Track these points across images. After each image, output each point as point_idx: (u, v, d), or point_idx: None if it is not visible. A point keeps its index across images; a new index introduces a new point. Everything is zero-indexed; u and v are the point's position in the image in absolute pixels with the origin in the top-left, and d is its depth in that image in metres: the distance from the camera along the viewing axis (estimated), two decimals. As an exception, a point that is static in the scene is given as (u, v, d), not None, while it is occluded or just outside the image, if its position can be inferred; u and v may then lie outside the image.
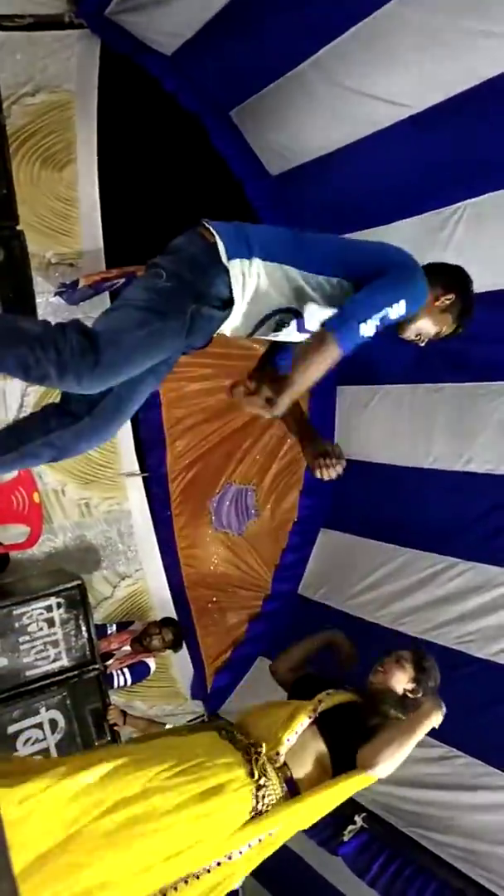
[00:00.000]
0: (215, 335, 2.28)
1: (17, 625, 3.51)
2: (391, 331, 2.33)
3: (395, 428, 4.56)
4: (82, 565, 4.21)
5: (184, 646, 4.59)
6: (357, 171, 3.90)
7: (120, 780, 2.05)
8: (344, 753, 2.36)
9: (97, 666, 3.70)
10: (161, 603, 4.77)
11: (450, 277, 2.37)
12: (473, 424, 4.09)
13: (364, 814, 3.87)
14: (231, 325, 2.25)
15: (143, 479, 4.54)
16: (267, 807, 2.22)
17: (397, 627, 4.17)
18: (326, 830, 4.00)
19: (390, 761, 2.28)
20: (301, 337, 2.33)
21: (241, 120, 4.21)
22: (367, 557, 4.62)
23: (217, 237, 2.14)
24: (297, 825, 2.35)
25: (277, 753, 2.30)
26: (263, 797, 2.22)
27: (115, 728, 3.99)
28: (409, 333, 2.37)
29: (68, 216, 3.79)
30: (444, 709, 2.47)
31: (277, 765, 2.30)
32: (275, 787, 2.26)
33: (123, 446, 4.27)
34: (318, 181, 4.16)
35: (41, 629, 3.61)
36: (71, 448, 2.33)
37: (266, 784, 2.23)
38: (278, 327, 2.30)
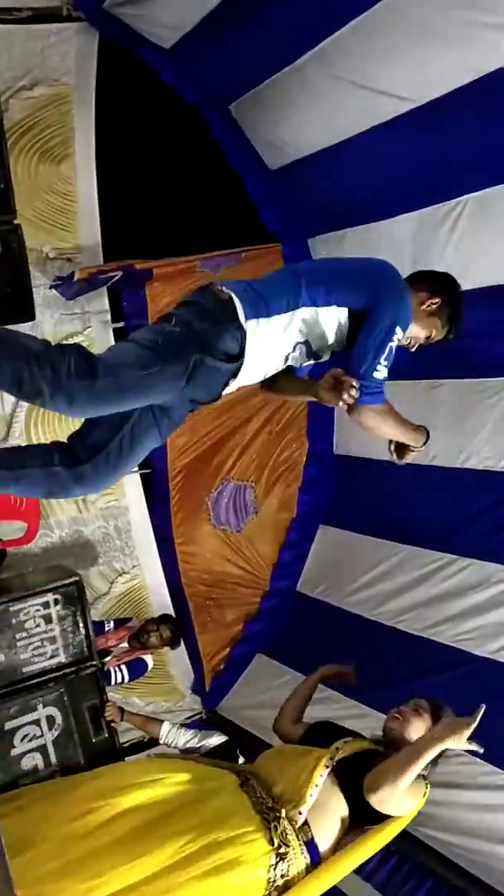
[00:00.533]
0: (225, 392, 2.28)
1: (13, 621, 3.49)
2: None
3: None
4: (79, 561, 4.20)
5: (182, 643, 4.57)
6: (357, 165, 3.88)
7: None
8: (362, 802, 2.30)
9: (95, 663, 3.68)
10: (159, 599, 4.76)
11: (435, 282, 2.43)
12: (473, 421, 4.08)
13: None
14: (246, 381, 2.27)
15: (142, 475, 4.52)
16: (285, 876, 2.22)
17: (396, 625, 4.16)
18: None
19: (392, 783, 2.23)
20: (308, 361, 2.38)
21: (240, 114, 4.19)
22: (365, 554, 4.61)
23: (233, 296, 2.17)
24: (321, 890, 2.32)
25: (300, 813, 2.28)
26: (282, 867, 2.22)
27: (113, 725, 3.98)
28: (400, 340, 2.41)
29: (66, 210, 3.76)
30: (461, 729, 2.37)
31: (297, 825, 2.27)
32: (295, 854, 2.24)
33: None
34: (318, 175, 4.14)
35: (38, 625, 3.59)
36: (66, 488, 2.31)
37: (286, 853, 2.22)
38: (292, 357, 2.33)
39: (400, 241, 3.91)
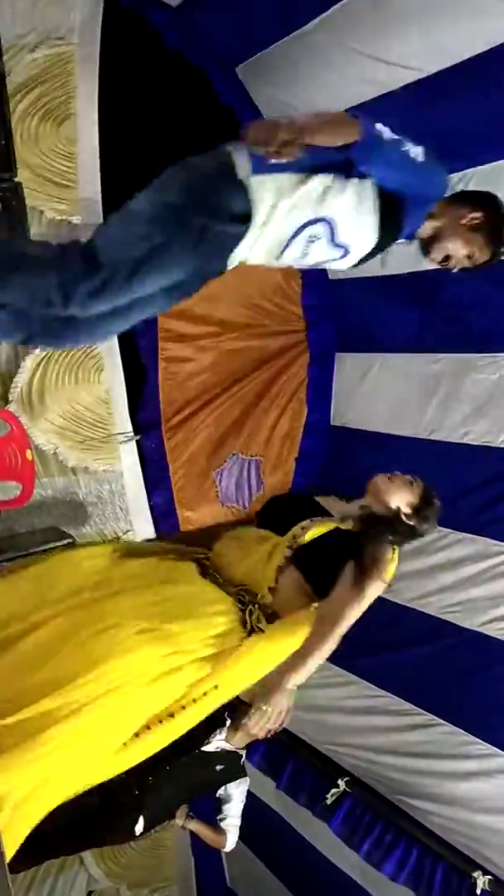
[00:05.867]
0: (238, 262, 2.14)
1: (6, 581, 3.53)
2: (420, 248, 2.28)
3: (393, 397, 4.54)
4: (72, 522, 4.22)
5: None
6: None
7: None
8: (326, 588, 2.30)
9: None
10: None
11: (480, 198, 2.26)
12: (472, 396, 4.08)
13: (347, 777, 3.94)
14: (258, 248, 2.11)
15: (137, 442, 4.51)
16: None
17: (386, 596, 4.19)
18: (308, 791, 4.07)
19: (336, 634, 2.25)
20: (334, 254, 2.19)
21: (247, 77, 4.13)
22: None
23: (234, 152, 2.04)
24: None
25: (265, 600, 2.28)
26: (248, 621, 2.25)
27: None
28: (437, 254, 2.27)
29: (67, 172, 3.72)
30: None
31: (269, 611, 2.28)
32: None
33: (117, 407, 4.25)
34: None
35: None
36: (58, 335, 2.17)
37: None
38: (309, 244, 2.14)
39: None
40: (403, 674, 3.98)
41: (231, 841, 3.81)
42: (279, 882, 4.38)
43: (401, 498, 2.51)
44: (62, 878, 4.22)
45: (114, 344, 4.11)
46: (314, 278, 4.63)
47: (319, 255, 2.18)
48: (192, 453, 4.72)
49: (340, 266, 2.29)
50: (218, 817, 3.83)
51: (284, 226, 2.07)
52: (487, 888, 3.33)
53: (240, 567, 2.36)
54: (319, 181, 2.05)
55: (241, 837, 3.86)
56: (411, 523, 2.50)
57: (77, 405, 4.08)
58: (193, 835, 4.11)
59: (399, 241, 2.26)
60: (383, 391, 4.61)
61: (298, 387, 4.99)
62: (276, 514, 2.49)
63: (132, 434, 4.33)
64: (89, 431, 4.17)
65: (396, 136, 2.10)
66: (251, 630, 2.23)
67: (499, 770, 3.47)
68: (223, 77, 4.11)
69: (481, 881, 3.34)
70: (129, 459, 4.35)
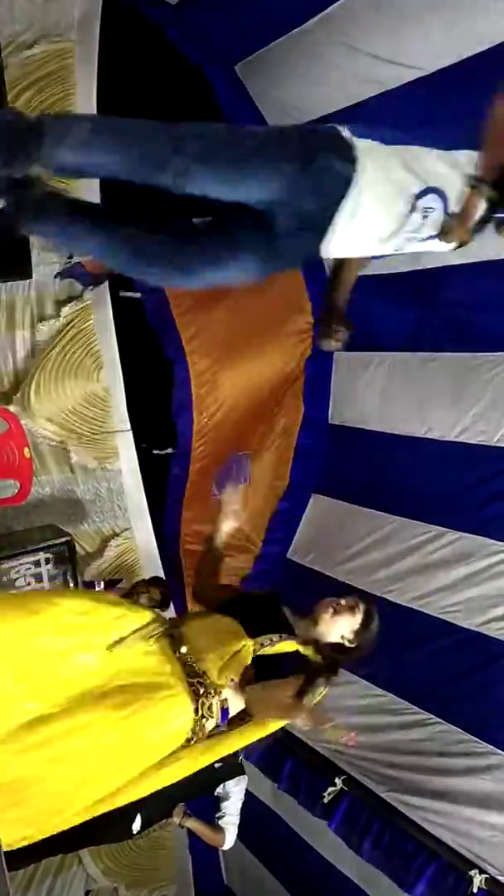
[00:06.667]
0: (340, 220, 1.97)
1: (4, 579, 3.53)
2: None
3: (390, 395, 4.54)
4: (70, 520, 4.22)
5: (171, 604, 4.61)
6: (362, 132, 3.82)
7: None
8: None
9: (84, 622, 3.72)
10: (149, 561, 4.78)
11: None
12: (469, 395, 4.08)
13: (344, 776, 3.94)
14: (367, 221, 1.98)
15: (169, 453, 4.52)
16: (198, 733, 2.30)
17: (384, 595, 4.20)
18: (305, 790, 4.07)
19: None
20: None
21: (246, 75, 4.12)
22: (357, 524, 4.64)
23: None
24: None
25: (220, 689, 2.33)
26: (200, 728, 2.29)
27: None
28: None
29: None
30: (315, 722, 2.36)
31: (221, 697, 2.33)
32: (213, 721, 2.32)
33: (116, 405, 4.26)
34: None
35: (29, 584, 3.63)
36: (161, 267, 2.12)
37: (207, 717, 2.29)
38: (425, 215, 2.03)
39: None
40: (402, 673, 3.98)
41: (229, 839, 3.81)
42: (276, 880, 4.39)
43: (344, 627, 2.56)
44: (60, 878, 4.23)
45: (113, 343, 4.11)
46: (313, 276, 4.63)
47: (429, 224, 2.07)
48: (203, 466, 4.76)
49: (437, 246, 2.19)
50: (216, 815, 3.83)
51: (394, 187, 1.99)
52: (484, 887, 3.33)
53: (207, 652, 2.40)
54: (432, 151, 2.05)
55: (238, 836, 3.86)
56: (353, 646, 2.58)
57: (75, 403, 4.08)
58: (191, 833, 4.11)
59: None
60: (381, 389, 4.61)
61: (296, 382, 5.00)
62: (249, 614, 2.54)
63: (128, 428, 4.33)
64: (88, 429, 4.17)
65: None
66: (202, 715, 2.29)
67: (497, 769, 3.48)
68: (222, 75, 4.11)
69: (477, 880, 3.34)
70: (126, 456, 4.35)
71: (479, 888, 3.33)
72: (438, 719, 3.73)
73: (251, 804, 3.98)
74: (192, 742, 2.31)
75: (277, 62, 3.86)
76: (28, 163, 1.83)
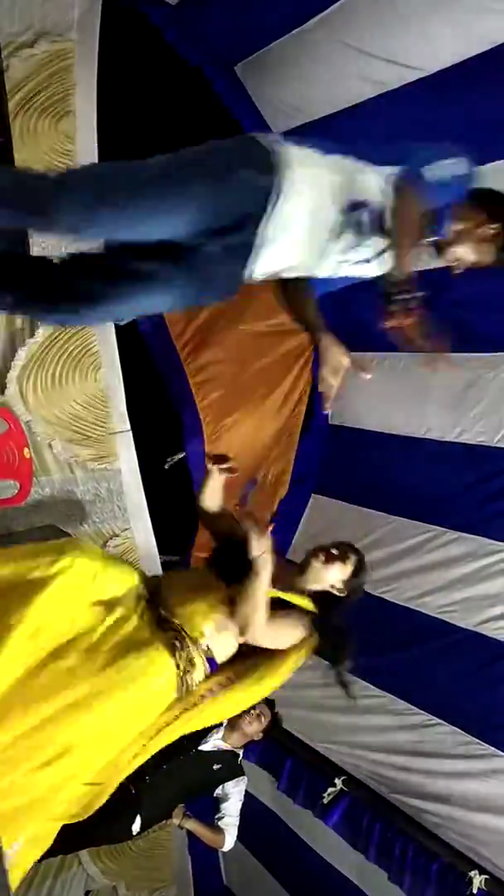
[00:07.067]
0: (269, 229, 1.87)
1: (4, 579, 3.52)
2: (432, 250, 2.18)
3: (388, 396, 4.54)
4: (70, 520, 4.21)
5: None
6: (362, 132, 3.82)
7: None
8: None
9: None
10: (149, 561, 4.77)
11: (497, 207, 2.18)
12: (469, 395, 4.08)
13: (344, 776, 3.94)
14: (290, 227, 1.88)
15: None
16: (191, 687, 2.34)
17: (382, 595, 4.20)
18: (305, 791, 4.07)
19: (250, 610, 2.35)
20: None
21: (246, 75, 4.12)
22: (355, 524, 4.64)
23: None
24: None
25: (198, 640, 2.35)
26: (187, 682, 2.31)
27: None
28: (448, 256, 2.21)
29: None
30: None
31: (201, 648, 2.35)
32: (199, 671, 2.35)
33: (115, 405, 4.24)
34: (323, 141, 4.08)
35: (28, 584, 3.61)
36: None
37: (190, 670, 2.32)
38: (358, 230, 1.95)
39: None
40: (401, 673, 3.98)
41: (229, 840, 3.81)
42: (276, 882, 4.38)
43: (335, 575, 2.56)
44: (60, 879, 4.22)
45: (112, 343, 4.10)
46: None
47: (365, 252, 2.02)
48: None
49: (371, 270, 2.13)
50: (216, 816, 3.83)
51: (319, 205, 1.89)
52: (484, 888, 3.33)
53: (184, 608, 2.41)
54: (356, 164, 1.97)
55: (238, 837, 3.86)
56: (342, 595, 2.58)
57: (75, 403, 4.07)
58: (191, 834, 4.11)
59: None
60: (380, 390, 4.60)
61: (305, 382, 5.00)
62: (238, 560, 2.48)
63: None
64: (87, 429, 4.15)
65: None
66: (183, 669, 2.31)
67: (496, 769, 3.48)
68: (222, 75, 4.11)
69: (477, 880, 3.34)
70: (126, 456, 4.34)
71: (479, 888, 3.33)
72: (438, 720, 3.74)
73: (251, 805, 3.98)
74: (185, 695, 2.34)
75: (277, 62, 3.86)
76: None
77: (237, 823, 3.81)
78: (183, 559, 4.73)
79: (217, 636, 2.38)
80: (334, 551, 2.57)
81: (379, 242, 2.01)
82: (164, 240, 1.86)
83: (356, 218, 1.95)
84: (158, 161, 1.86)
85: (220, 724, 3.76)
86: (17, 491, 3.94)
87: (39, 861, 3.89)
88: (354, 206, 1.93)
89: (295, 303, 2.25)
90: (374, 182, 1.97)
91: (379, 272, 2.10)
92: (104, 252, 2.06)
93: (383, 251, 2.02)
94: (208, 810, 3.88)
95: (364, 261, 2.07)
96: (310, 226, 1.92)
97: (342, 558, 2.57)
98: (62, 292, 2.06)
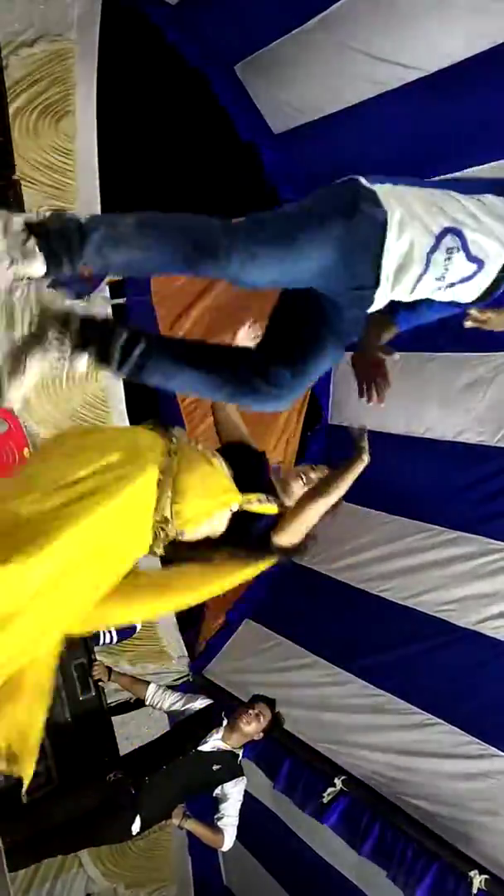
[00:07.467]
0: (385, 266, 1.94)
1: (3, 580, 3.52)
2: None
3: (389, 395, 4.51)
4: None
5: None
6: (362, 132, 3.83)
7: None
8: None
9: (83, 623, 3.72)
10: (149, 562, 4.76)
11: None
12: (469, 395, 4.08)
13: (343, 776, 3.94)
14: (398, 250, 1.93)
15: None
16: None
17: (381, 594, 4.21)
18: (304, 790, 4.07)
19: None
20: (469, 269, 2.02)
21: (245, 75, 4.12)
22: (354, 524, 4.63)
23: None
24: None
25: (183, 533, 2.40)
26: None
27: (100, 683, 4.03)
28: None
29: (65, 169, 3.70)
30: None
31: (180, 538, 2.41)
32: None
33: (115, 403, 4.24)
34: (323, 141, 4.08)
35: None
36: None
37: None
38: (448, 256, 1.98)
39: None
40: (400, 673, 3.98)
41: (228, 840, 3.81)
42: (275, 881, 4.38)
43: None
44: (60, 880, 4.22)
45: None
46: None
47: (458, 271, 2.03)
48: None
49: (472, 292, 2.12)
50: (215, 817, 3.83)
51: (420, 224, 1.94)
52: (484, 887, 3.33)
53: (186, 495, 2.40)
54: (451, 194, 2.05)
55: (238, 837, 3.85)
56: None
57: (75, 403, 4.07)
58: (190, 834, 4.11)
59: None
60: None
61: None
62: (241, 469, 2.56)
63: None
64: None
65: None
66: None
67: (495, 769, 3.48)
68: (222, 75, 4.10)
69: (478, 880, 3.33)
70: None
71: (479, 889, 3.32)
72: (438, 719, 3.73)
73: (250, 805, 3.98)
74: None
75: (277, 62, 3.86)
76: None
77: (236, 823, 3.81)
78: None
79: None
80: (312, 475, 2.68)
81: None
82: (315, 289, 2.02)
83: (446, 244, 1.97)
84: (293, 207, 1.99)
85: (220, 726, 3.76)
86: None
87: (39, 862, 3.92)
88: (443, 233, 1.97)
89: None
90: (459, 207, 2.01)
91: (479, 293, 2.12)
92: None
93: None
94: (208, 810, 3.88)
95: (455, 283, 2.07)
96: (411, 256, 1.96)
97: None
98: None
